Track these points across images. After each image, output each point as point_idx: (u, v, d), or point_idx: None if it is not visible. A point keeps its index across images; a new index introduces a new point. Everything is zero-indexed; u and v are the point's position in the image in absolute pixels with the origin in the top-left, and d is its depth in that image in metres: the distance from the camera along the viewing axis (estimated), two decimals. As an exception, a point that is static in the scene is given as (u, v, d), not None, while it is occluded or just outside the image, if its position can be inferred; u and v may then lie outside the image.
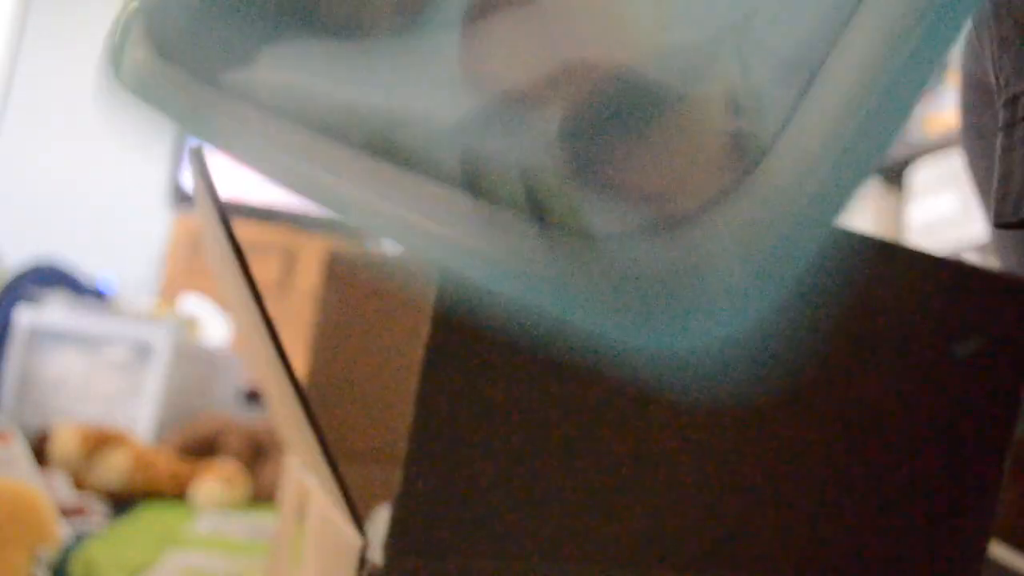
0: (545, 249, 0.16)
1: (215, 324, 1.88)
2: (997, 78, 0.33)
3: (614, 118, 0.16)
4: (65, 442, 1.12)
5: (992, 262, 1.41)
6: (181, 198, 2.68)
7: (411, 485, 0.26)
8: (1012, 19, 0.31)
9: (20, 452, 0.77)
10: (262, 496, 1.25)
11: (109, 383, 1.43)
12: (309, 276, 2.60)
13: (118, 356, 1.45)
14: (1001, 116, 0.32)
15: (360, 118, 0.18)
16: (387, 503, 0.46)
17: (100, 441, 1.15)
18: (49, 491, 0.91)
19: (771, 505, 0.32)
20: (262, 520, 1.09)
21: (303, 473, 0.49)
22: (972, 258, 1.40)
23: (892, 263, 0.32)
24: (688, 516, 0.30)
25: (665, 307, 0.15)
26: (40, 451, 1.15)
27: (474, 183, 0.17)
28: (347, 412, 0.69)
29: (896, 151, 1.74)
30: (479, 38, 0.18)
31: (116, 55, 0.20)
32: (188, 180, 1.32)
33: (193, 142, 0.25)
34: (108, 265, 2.60)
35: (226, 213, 0.30)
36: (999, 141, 0.32)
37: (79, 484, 1.12)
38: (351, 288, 0.72)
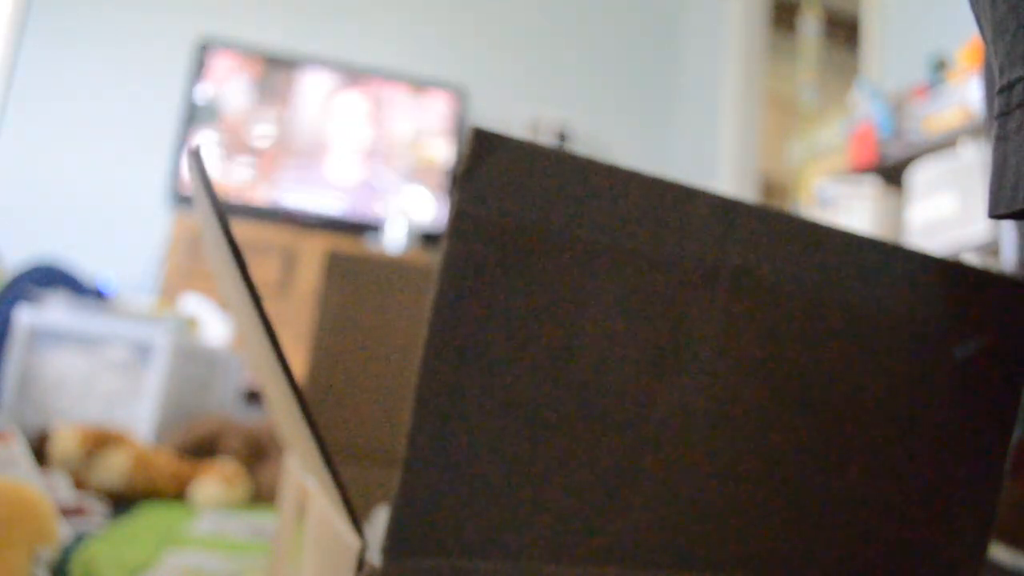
0: None
1: (215, 324, 1.87)
2: (992, 66, 0.32)
3: None
4: (65, 442, 1.12)
5: (992, 262, 1.40)
6: (181, 198, 2.68)
7: (410, 485, 0.26)
8: (1007, 4, 0.30)
9: (20, 452, 0.77)
10: (262, 496, 1.25)
11: (109, 383, 1.43)
12: (309, 276, 2.60)
13: (118, 356, 1.45)
14: (996, 104, 0.31)
15: None
16: (386, 503, 0.46)
17: (100, 441, 1.15)
18: (49, 491, 0.91)
19: (771, 505, 0.32)
20: (262, 520, 1.09)
21: (303, 473, 0.49)
22: (972, 258, 1.39)
23: (892, 263, 0.32)
24: (688, 516, 0.30)
25: None
26: (40, 451, 1.15)
27: None
28: (347, 412, 0.69)
29: (896, 151, 1.74)
30: None
31: None
32: (188, 180, 1.32)
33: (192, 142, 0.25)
34: (108, 265, 2.61)
35: (225, 213, 0.30)
36: (994, 130, 0.31)
37: (79, 484, 1.12)
38: (351, 288, 0.72)
